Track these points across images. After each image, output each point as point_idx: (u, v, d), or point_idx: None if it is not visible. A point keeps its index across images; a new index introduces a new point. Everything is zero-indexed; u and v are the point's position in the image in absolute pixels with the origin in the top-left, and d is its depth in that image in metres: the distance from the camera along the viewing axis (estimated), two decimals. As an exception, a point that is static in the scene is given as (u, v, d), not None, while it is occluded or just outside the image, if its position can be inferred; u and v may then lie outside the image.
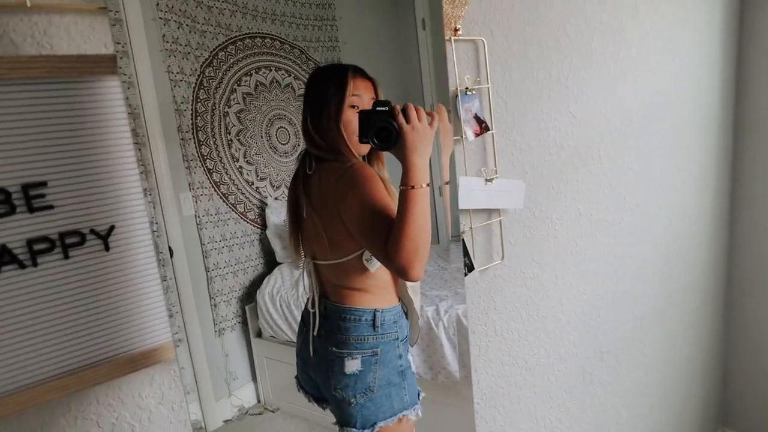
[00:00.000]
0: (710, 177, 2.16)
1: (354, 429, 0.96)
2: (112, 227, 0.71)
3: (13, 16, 0.66)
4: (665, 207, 1.95)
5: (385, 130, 0.82)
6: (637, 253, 1.86)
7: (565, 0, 1.45)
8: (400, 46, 1.25)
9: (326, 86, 0.93)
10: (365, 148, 0.94)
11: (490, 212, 1.36)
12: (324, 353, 0.98)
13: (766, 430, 2.42)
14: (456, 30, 1.19)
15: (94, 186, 0.70)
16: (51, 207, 0.66)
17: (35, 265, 0.66)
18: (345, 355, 0.95)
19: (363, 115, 0.85)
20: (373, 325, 0.95)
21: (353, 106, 0.90)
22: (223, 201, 1.04)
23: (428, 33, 1.21)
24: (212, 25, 0.97)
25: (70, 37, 0.71)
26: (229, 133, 1.02)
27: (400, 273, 0.83)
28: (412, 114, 0.82)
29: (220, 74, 0.99)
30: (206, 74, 0.98)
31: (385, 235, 0.83)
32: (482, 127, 1.27)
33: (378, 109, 0.84)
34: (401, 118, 0.82)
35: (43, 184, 0.65)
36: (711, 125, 2.10)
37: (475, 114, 1.25)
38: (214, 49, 0.97)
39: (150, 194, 0.76)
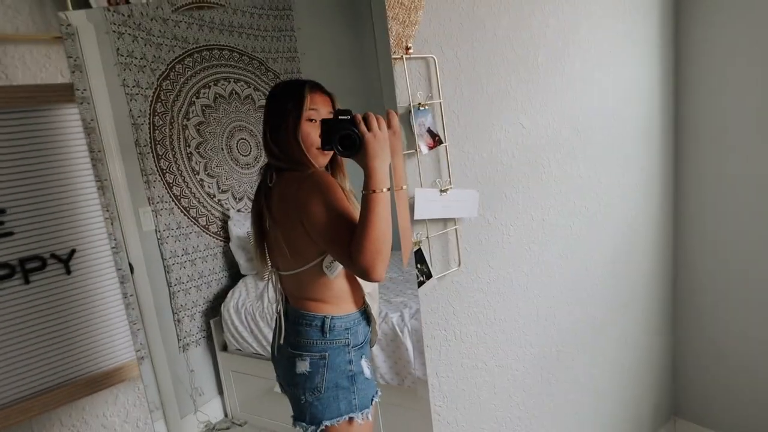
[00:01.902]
0: (654, 182, 2.29)
1: (303, 423, 1.02)
2: (73, 251, 0.73)
3: (-32, 46, 0.67)
4: (613, 211, 2.06)
5: (348, 138, 0.87)
6: (587, 256, 1.96)
7: (511, 17, 1.53)
8: (359, 56, 1.28)
9: (284, 101, 0.96)
10: (325, 159, 0.97)
11: (445, 221, 1.41)
12: (283, 352, 1.04)
13: (714, 417, 2.56)
14: (407, 49, 1.24)
15: (54, 211, 0.71)
16: (11, 234, 0.67)
17: (-6, 291, 0.67)
18: (296, 356, 1.01)
19: (325, 123, 0.89)
20: (322, 331, 1.00)
21: (311, 120, 0.94)
22: (185, 215, 1.04)
23: (378, 51, 1.25)
24: (168, 38, 0.96)
25: (26, 66, 0.72)
26: (189, 146, 1.02)
27: (363, 274, 0.87)
28: (373, 122, 0.88)
29: (178, 87, 0.99)
30: (163, 87, 0.97)
31: (347, 238, 0.88)
32: (435, 140, 1.32)
33: (340, 117, 0.88)
34: (363, 127, 0.87)
35: (2, 211, 0.66)
36: (653, 133, 2.23)
37: (429, 128, 1.31)
38: (170, 62, 0.97)
39: (108, 210, 0.78)
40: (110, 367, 0.78)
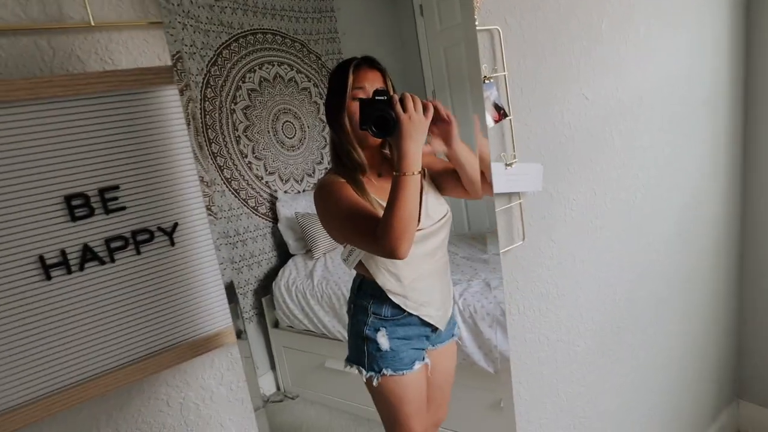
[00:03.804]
0: (721, 153, 2.19)
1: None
2: (176, 224, 0.78)
3: (78, 35, 0.72)
4: (677, 184, 1.99)
5: (383, 119, 0.88)
6: (650, 230, 1.91)
7: (575, -15, 1.48)
8: (399, 33, 1.27)
9: (332, 82, 0.99)
10: (373, 139, 0.98)
11: (510, 196, 1.41)
12: None
13: (781, 398, 2.48)
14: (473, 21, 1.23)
15: (159, 187, 0.76)
16: (123, 208, 0.73)
17: (113, 261, 0.73)
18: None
19: (362, 103, 0.91)
20: (355, 287, 1.08)
21: (357, 99, 0.94)
22: (235, 196, 1.06)
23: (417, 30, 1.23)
24: (215, 24, 0.98)
25: (128, 51, 0.77)
26: (237, 130, 1.03)
27: (389, 253, 0.90)
28: (409, 104, 0.88)
29: (225, 72, 1.01)
30: (212, 73, 0.99)
31: (366, 228, 0.91)
32: (500, 113, 1.32)
33: (377, 98, 0.90)
34: (399, 108, 0.88)
35: (116, 187, 0.72)
36: (720, 104, 2.13)
37: (494, 102, 1.30)
38: (218, 48, 0.98)
39: (210, 186, 0.83)
40: (209, 333, 0.83)
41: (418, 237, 0.95)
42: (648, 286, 1.96)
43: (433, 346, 1.17)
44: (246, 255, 1.09)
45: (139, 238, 0.74)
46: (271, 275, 1.16)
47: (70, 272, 0.70)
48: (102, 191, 0.71)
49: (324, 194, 0.98)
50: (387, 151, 1.05)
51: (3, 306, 0.67)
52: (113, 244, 0.72)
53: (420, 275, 1.08)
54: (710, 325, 2.35)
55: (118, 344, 0.74)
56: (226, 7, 0.99)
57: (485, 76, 1.28)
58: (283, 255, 1.17)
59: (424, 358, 1.13)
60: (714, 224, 2.24)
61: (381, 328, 1.07)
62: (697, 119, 2.04)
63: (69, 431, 0.78)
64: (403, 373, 1.09)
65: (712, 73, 2.07)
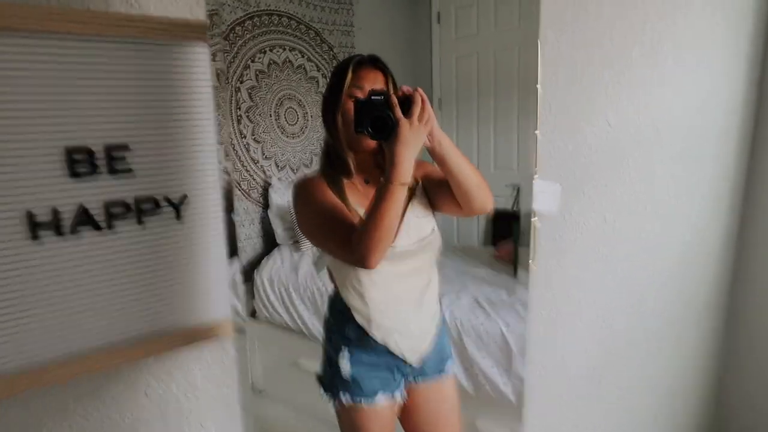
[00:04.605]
0: (724, 196, 2.18)
1: None
2: (185, 196, 0.70)
3: (106, -30, 0.64)
4: (680, 221, 1.97)
5: (381, 120, 0.81)
6: (653, 266, 1.88)
7: (613, 6, 1.45)
8: (413, 37, 1.25)
9: (332, 77, 0.93)
10: (369, 142, 0.92)
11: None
12: None
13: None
14: (513, 27, 1.18)
15: (172, 154, 0.68)
16: (130, 170, 0.65)
17: (110, 228, 0.64)
18: None
19: (358, 103, 0.84)
20: (329, 301, 1.03)
21: (353, 97, 0.89)
22: (228, 176, 1.04)
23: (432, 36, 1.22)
24: None
25: (158, -2, 0.68)
26: (240, 109, 1.02)
27: (358, 261, 0.84)
28: (416, 108, 0.81)
29: (236, 49, 0.99)
30: (221, 48, 0.97)
31: (345, 238, 0.85)
32: (529, 126, 1.26)
33: (373, 98, 0.82)
34: (398, 111, 0.81)
35: (125, 146, 0.64)
36: (729, 145, 2.12)
37: (524, 113, 1.25)
38: (231, 23, 0.96)
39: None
40: (204, 323, 0.75)
41: (391, 254, 0.88)
42: (643, 319, 1.92)
43: (414, 380, 1.08)
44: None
45: (144, 206, 0.66)
46: (255, 263, 1.12)
47: (60, 234, 0.62)
48: (109, 149, 0.62)
49: (303, 193, 0.92)
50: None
51: (-24, 264, 0.59)
52: (113, 210, 0.64)
53: (389, 298, 0.99)
54: (695, 368, 2.33)
55: (104, 323, 0.66)
56: (245, -18, 0.96)
57: (519, 85, 1.22)
58: (269, 244, 1.14)
59: (394, 393, 1.04)
60: (708, 269, 2.22)
61: (343, 350, 1.00)
62: (705, 159, 2.02)
63: (32, 415, 0.69)
64: (360, 402, 1.01)
65: (727, 115, 2.05)
